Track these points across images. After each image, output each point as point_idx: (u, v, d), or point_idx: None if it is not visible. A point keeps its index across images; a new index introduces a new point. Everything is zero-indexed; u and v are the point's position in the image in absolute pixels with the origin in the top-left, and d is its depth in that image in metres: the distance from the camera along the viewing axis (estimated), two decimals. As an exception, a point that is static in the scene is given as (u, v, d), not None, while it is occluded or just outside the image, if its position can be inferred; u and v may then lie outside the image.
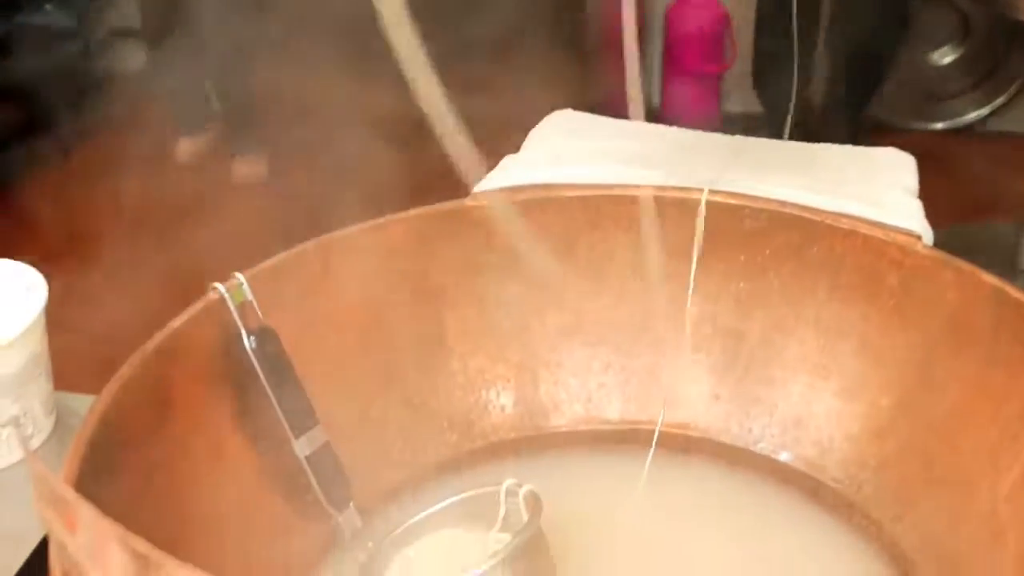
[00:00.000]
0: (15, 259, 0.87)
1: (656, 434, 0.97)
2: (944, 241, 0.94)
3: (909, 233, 0.90)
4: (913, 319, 0.89)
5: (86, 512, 0.46)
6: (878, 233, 0.90)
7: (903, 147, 1.14)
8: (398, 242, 0.95)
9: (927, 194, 1.04)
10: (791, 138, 1.17)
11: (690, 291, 0.96)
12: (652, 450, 0.97)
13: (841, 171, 1.07)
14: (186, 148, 2.87)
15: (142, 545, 0.43)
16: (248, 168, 2.75)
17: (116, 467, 0.71)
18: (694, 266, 0.97)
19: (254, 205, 2.60)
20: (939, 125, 2.89)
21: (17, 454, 0.80)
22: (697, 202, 0.96)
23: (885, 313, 0.90)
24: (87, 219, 2.58)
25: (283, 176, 2.72)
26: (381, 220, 0.95)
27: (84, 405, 0.84)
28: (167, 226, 2.49)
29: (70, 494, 0.47)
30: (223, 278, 0.84)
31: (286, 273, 0.89)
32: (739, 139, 1.18)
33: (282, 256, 0.89)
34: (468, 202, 0.99)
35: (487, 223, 0.98)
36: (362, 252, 0.94)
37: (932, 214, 0.98)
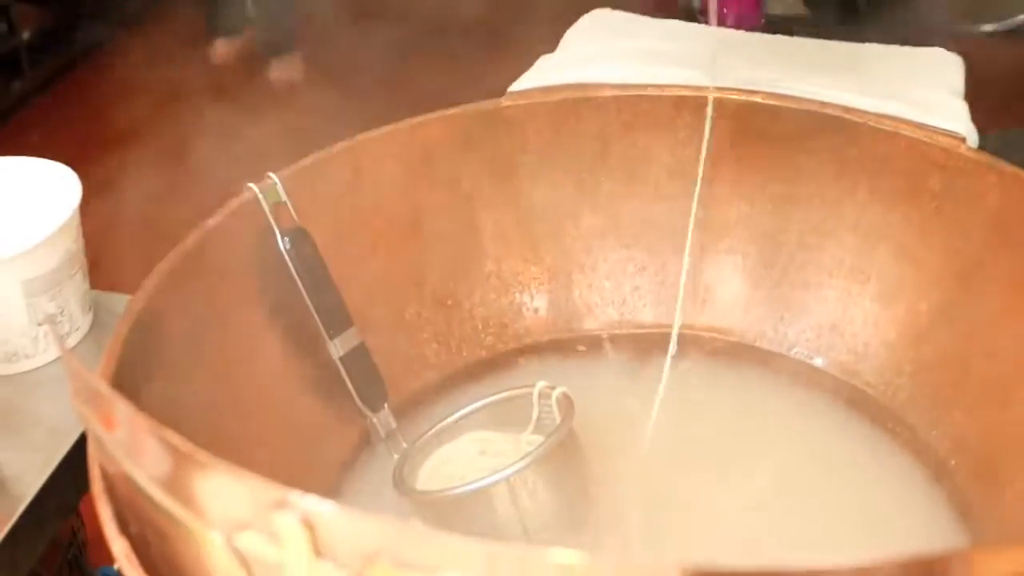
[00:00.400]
0: (51, 158, 0.87)
1: (672, 335, 0.97)
2: (991, 146, 0.92)
3: (953, 135, 0.88)
4: (955, 222, 0.87)
5: (122, 408, 0.46)
6: (921, 135, 0.88)
7: (950, 49, 1.11)
8: (432, 143, 0.94)
9: (974, 97, 1.01)
10: (835, 39, 1.13)
11: (696, 192, 0.94)
12: (664, 352, 0.96)
13: (885, 71, 1.04)
14: (222, 50, 2.85)
15: (178, 440, 0.43)
16: (283, 71, 2.74)
17: (151, 366, 0.72)
18: (701, 166, 0.95)
19: (289, 107, 2.59)
20: (987, 27, 2.81)
21: (56, 352, 0.81)
22: (735, 103, 0.94)
23: (926, 216, 0.88)
24: (122, 120, 2.58)
25: (318, 79, 2.71)
26: (415, 120, 0.94)
27: (120, 304, 0.85)
28: (202, 127, 2.49)
29: (106, 390, 0.47)
30: (258, 179, 0.84)
31: (320, 174, 0.89)
32: (781, 39, 1.16)
33: (316, 156, 0.89)
34: (504, 102, 0.97)
35: (522, 123, 0.96)
36: (395, 153, 0.93)
37: (979, 118, 0.96)
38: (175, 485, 0.45)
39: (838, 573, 0.38)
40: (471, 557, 0.37)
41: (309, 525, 0.40)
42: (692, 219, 0.96)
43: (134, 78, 2.79)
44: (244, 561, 0.44)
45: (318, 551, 0.40)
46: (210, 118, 2.55)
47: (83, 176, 0.85)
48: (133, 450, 0.47)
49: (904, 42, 1.13)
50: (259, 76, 2.73)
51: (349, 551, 0.40)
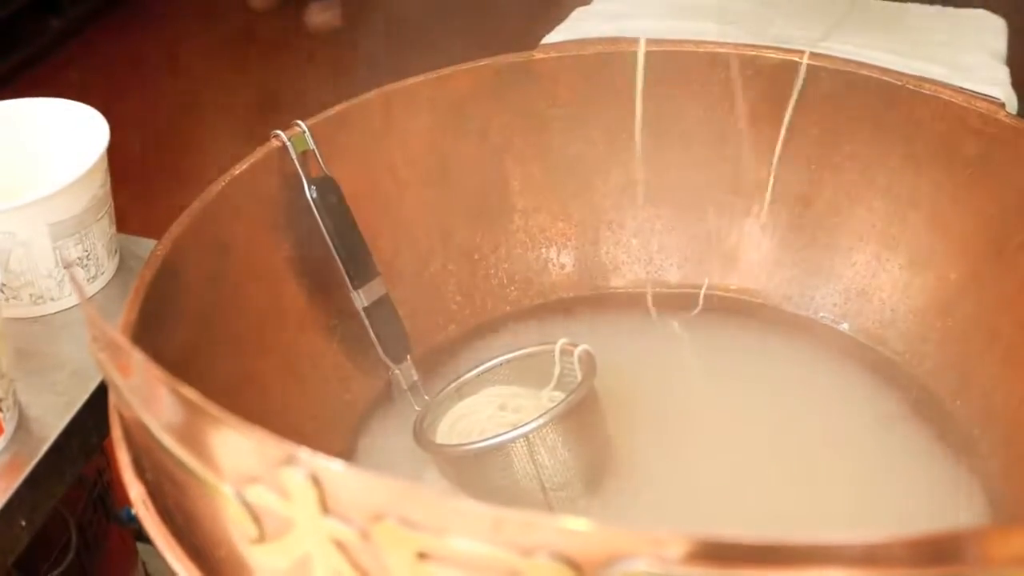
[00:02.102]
0: (88, 96, 0.87)
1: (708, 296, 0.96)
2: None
3: (992, 100, 0.86)
4: (989, 190, 0.85)
5: (136, 358, 0.46)
6: (959, 99, 0.86)
7: (996, 8, 1.09)
8: (462, 94, 0.93)
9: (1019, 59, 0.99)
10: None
11: (776, 156, 0.93)
12: (689, 312, 0.96)
13: (926, 32, 1.02)
14: (260, -7, 2.84)
15: (191, 393, 0.43)
16: (322, 16, 2.72)
17: (176, 312, 0.72)
18: (784, 131, 0.94)
19: (327, 54, 2.58)
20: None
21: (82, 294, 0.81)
22: (772, 61, 0.92)
23: (960, 183, 0.87)
24: (160, 60, 2.58)
25: (357, 25, 2.69)
26: (446, 71, 0.93)
27: (147, 248, 0.85)
28: (239, 73, 2.49)
29: (121, 339, 0.47)
30: (287, 126, 0.84)
31: (349, 123, 0.88)
32: (820, -4, 1.14)
33: (344, 105, 0.88)
34: (536, 55, 0.96)
35: (554, 76, 0.95)
36: (425, 103, 0.92)
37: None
38: (188, 436, 0.45)
39: (845, 549, 0.37)
40: (477, 520, 0.37)
41: (317, 482, 0.40)
42: (755, 180, 0.95)
43: (174, 18, 2.79)
44: (254, 514, 0.44)
45: (326, 508, 0.41)
46: (247, 62, 2.55)
47: (118, 116, 0.85)
48: (147, 400, 0.47)
49: (946, 2, 1.11)
50: (297, 21, 2.72)
51: (356, 509, 0.40)
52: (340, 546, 0.41)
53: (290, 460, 0.40)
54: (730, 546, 0.37)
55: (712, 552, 0.37)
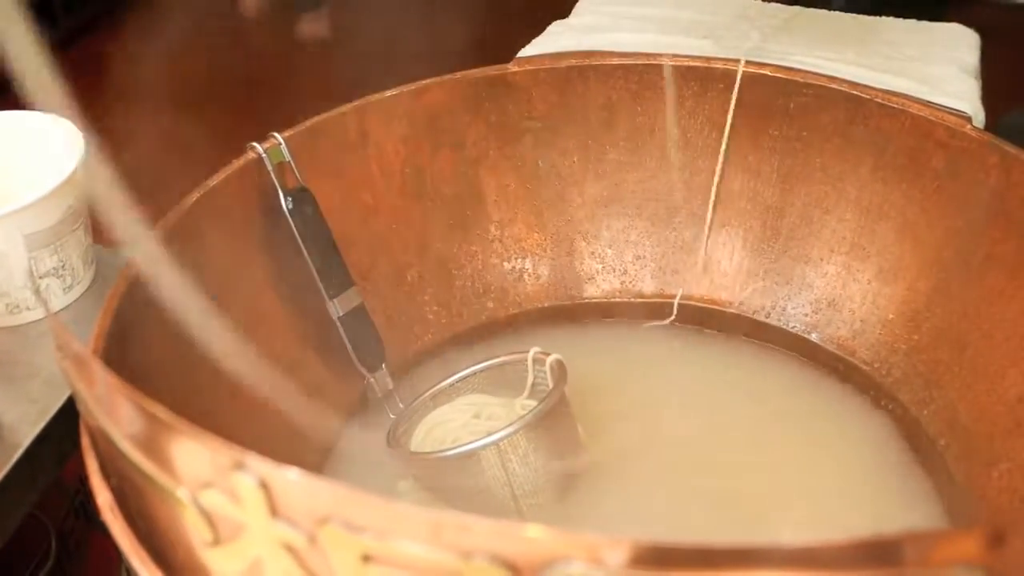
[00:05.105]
0: (78, 108, 0.87)
1: (686, 308, 0.97)
2: (1013, 123, 0.91)
3: (959, 114, 0.87)
4: (956, 202, 0.87)
5: (99, 371, 0.47)
6: (926, 113, 0.87)
7: (974, 22, 1.10)
8: (438, 106, 0.95)
9: (997, 73, 1.00)
10: (851, 11, 1.12)
11: (719, 165, 0.94)
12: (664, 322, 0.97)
13: (898, 46, 1.03)
14: (251, 3, 2.85)
15: (148, 402, 0.44)
16: (311, 26, 2.74)
17: (149, 323, 0.73)
18: (755, 143, 0.95)
19: (315, 63, 2.59)
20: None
21: (58, 303, 0.82)
22: (744, 74, 0.93)
23: (928, 195, 0.88)
24: (152, 71, 2.59)
25: (345, 35, 2.71)
26: (422, 83, 0.94)
27: (124, 259, 0.86)
28: (231, 83, 2.50)
29: (84, 351, 0.48)
30: (265, 138, 0.85)
31: (324, 135, 0.89)
32: (796, 10, 1.14)
33: (321, 117, 0.89)
34: (511, 67, 0.97)
35: (529, 89, 0.97)
36: (401, 115, 0.93)
37: (1003, 94, 0.94)
38: (145, 443, 0.46)
39: (781, 553, 0.38)
40: (416, 523, 0.38)
41: (265, 486, 0.41)
42: (717, 191, 0.96)
43: (167, 29, 2.80)
44: (209, 518, 0.45)
45: (275, 511, 0.42)
46: (238, 71, 2.56)
47: (107, 127, 0.85)
48: (108, 409, 0.48)
49: (924, 15, 1.11)
50: (288, 30, 2.73)
51: (303, 513, 0.41)
52: (289, 549, 0.42)
53: (240, 465, 0.41)
54: (668, 551, 0.38)
55: (650, 557, 0.38)
